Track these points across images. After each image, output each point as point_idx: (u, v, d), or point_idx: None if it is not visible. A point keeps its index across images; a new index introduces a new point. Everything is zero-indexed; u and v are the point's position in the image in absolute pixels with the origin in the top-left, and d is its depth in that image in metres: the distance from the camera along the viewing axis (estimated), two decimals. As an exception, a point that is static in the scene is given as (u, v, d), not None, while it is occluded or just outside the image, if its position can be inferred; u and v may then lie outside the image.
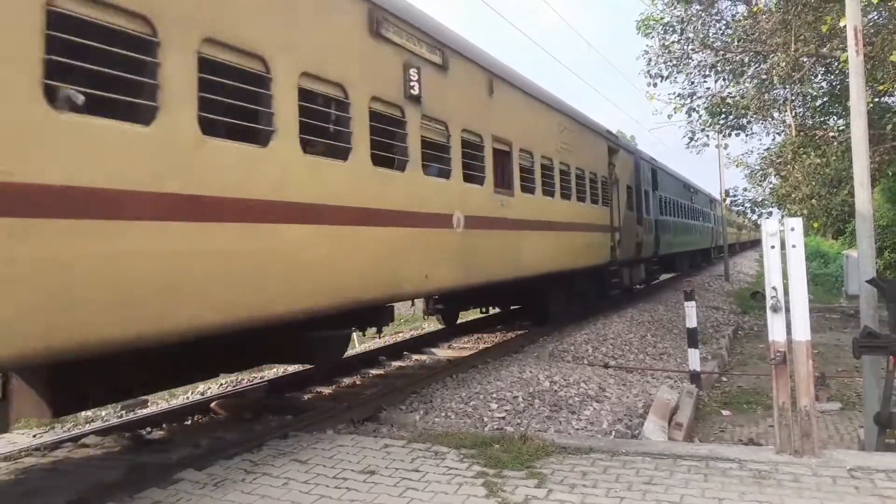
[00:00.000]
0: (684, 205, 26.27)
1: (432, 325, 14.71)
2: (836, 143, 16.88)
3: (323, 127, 5.69)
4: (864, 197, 7.17)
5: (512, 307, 13.78)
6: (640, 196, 17.87)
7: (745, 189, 31.71)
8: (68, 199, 3.49)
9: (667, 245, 21.66)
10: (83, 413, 8.41)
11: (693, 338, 9.28)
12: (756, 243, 63.86)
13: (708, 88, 18.42)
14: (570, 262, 12.00)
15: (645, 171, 18.95)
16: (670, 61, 17.32)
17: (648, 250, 18.58)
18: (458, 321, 13.78)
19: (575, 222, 12.11)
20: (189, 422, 7.28)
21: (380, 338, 13.02)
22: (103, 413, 8.39)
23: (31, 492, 4.94)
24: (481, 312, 14.13)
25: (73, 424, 7.73)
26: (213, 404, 7.70)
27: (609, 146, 15.11)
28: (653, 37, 17.12)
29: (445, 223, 7.59)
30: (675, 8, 16.54)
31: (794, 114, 19.13)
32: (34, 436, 6.68)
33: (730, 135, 19.76)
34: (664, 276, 25.08)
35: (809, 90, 17.59)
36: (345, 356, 10.46)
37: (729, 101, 17.71)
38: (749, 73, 17.11)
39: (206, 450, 5.47)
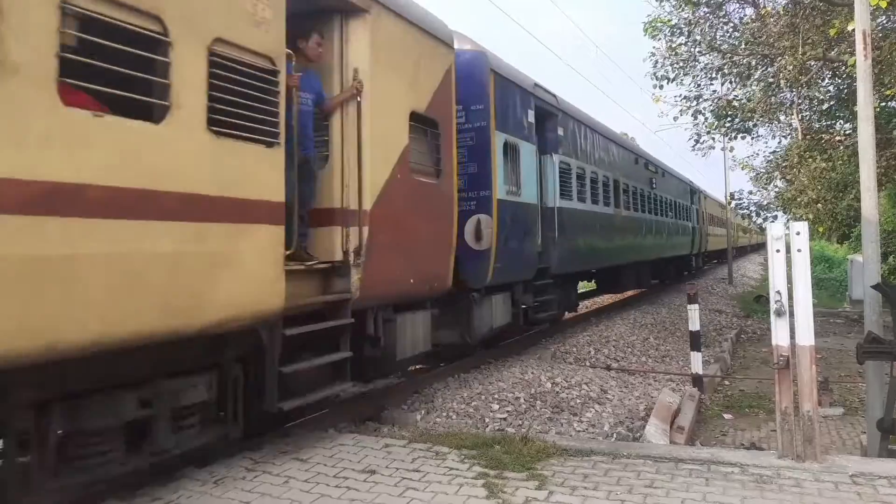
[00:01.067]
0: (637, 190, 17.14)
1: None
2: (842, 148, 16.83)
3: None
4: (870, 201, 7.15)
5: None
6: (483, 152, 8.50)
7: (750, 192, 31.55)
8: None
9: (586, 254, 12.86)
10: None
11: (696, 341, 9.26)
12: (756, 247, 63.42)
13: (714, 91, 18.37)
14: None
15: (509, 103, 9.33)
16: (677, 63, 17.26)
17: (518, 268, 9.68)
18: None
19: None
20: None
21: None
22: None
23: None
24: None
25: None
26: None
27: None
28: (660, 39, 17.06)
29: None
30: (682, 10, 16.48)
31: (800, 117, 19.05)
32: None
33: (735, 138, 19.71)
34: (593, 303, 18.25)
35: (816, 94, 17.53)
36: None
37: (735, 103, 17.65)
38: (756, 76, 17.07)
39: (207, 447, 5.46)
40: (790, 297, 4.74)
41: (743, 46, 16.44)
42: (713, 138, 20.04)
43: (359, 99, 5.88)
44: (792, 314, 4.72)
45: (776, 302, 4.75)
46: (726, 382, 11.06)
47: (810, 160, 17.39)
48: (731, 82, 17.63)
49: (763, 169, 24.67)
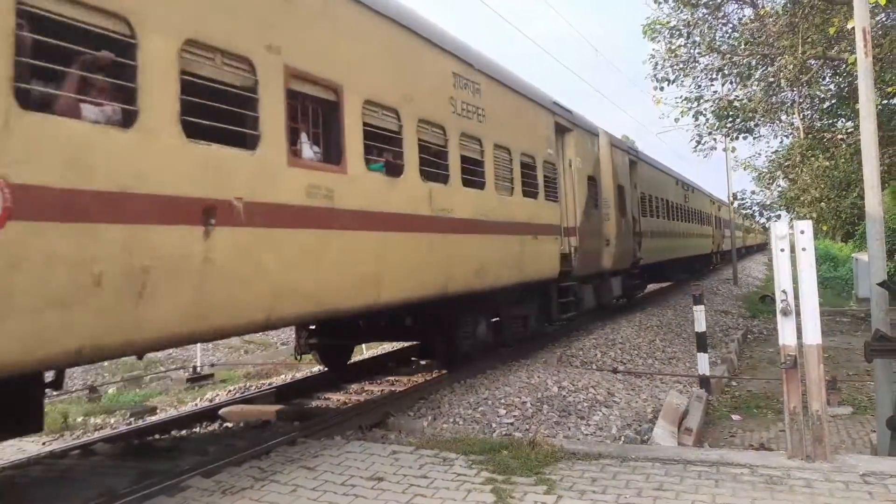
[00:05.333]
0: None
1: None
2: (844, 146, 16.82)
3: None
4: (874, 199, 7.13)
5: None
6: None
7: (753, 192, 31.46)
8: None
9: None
10: (91, 420, 8.45)
11: (702, 342, 9.23)
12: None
13: (715, 92, 18.36)
14: None
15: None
16: (677, 65, 17.28)
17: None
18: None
19: None
20: (197, 429, 7.30)
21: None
22: (112, 420, 8.42)
23: (40, 500, 4.95)
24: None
25: (82, 432, 7.76)
26: (220, 411, 7.71)
27: None
28: (659, 41, 17.10)
29: None
30: (681, 12, 16.52)
31: (801, 116, 19.04)
32: (43, 444, 6.72)
33: (737, 138, 19.70)
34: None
35: (817, 92, 17.52)
36: (351, 362, 10.46)
37: (736, 104, 17.65)
38: (756, 76, 17.06)
39: (214, 457, 5.47)
40: (796, 297, 4.72)
41: (743, 47, 16.45)
42: (715, 139, 20.04)
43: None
44: (798, 313, 4.70)
45: (782, 301, 4.73)
46: (734, 383, 11.02)
47: (813, 159, 17.39)
48: (731, 83, 17.64)
49: (765, 169, 24.64)
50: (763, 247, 69.65)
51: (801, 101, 18.49)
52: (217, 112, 4.58)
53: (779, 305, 4.75)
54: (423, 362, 10.49)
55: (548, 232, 10.31)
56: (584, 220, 12.08)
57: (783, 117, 19.94)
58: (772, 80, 16.52)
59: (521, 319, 10.46)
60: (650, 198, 18.23)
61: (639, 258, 16.19)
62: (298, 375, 10.61)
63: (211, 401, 9.09)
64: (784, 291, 4.72)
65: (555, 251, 10.58)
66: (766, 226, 46.22)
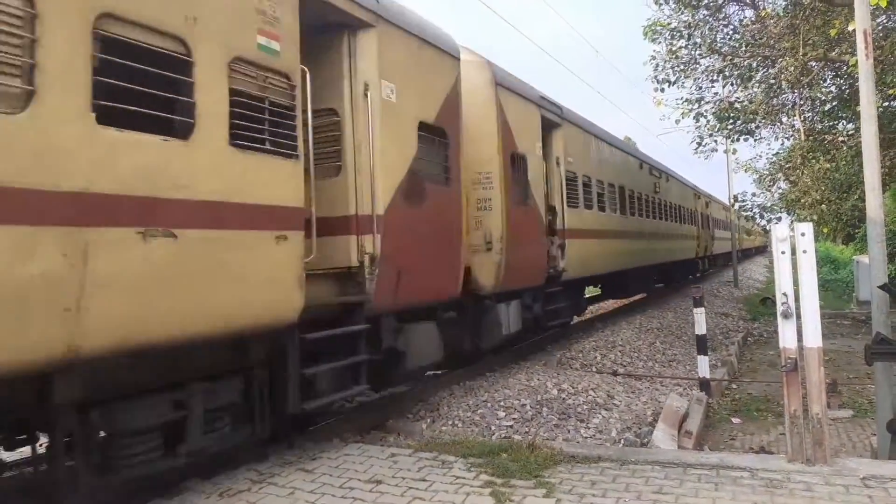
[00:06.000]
0: None
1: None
2: (845, 148, 16.79)
3: None
4: (874, 201, 7.11)
5: None
6: None
7: (753, 194, 31.44)
8: None
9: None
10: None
11: (702, 345, 9.20)
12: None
13: (716, 93, 18.34)
14: None
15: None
16: (678, 66, 17.26)
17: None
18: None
19: None
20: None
21: None
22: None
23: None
24: None
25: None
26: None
27: None
28: (660, 42, 17.07)
29: None
30: (682, 13, 16.50)
31: (802, 118, 19.02)
32: (42, 444, 6.69)
33: (738, 140, 19.65)
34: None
35: (818, 94, 17.48)
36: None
37: (737, 105, 17.62)
38: (757, 78, 17.04)
39: (212, 459, 5.45)
40: (796, 299, 4.71)
41: (743, 48, 16.44)
42: (715, 141, 20.01)
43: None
44: (798, 316, 4.69)
45: (783, 304, 4.71)
46: (734, 386, 10.99)
47: (813, 161, 17.37)
48: (732, 84, 17.61)
49: (766, 171, 24.64)
50: (762, 249, 69.73)
51: (801, 103, 18.47)
52: None
53: (779, 308, 4.74)
54: None
55: (246, 223, 4.48)
56: (406, 203, 6.42)
57: (784, 119, 19.92)
58: (773, 81, 16.49)
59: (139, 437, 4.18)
60: (590, 181, 12.93)
61: (560, 269, 10.93)
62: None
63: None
64: (785, 294, 4.71)
65: (284, 265, 4.77)
66: (767, 228, 46.29)
